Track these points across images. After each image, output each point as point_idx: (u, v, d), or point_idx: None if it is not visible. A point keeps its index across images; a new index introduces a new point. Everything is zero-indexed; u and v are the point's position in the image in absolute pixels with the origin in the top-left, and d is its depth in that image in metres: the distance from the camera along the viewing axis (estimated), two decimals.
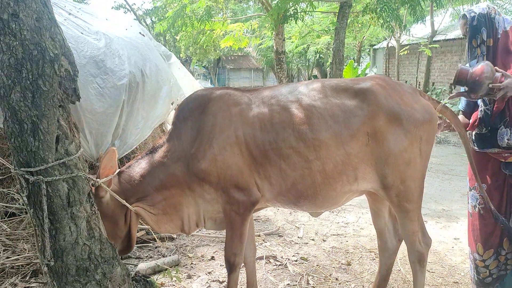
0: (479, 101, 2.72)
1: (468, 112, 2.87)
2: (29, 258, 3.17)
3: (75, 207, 2.02)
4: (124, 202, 2.44)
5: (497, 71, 2.50)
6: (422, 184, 2.61)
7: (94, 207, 2.16)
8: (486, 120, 2.66)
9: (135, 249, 3.90)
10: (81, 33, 3.89)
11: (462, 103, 2.96)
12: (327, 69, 18.23)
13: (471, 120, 2.78)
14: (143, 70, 4.24)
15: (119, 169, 2.58)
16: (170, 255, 3.86)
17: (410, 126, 2.44)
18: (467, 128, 2.78)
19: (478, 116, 2.72)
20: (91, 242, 2.09)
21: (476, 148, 2.77)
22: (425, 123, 2.49)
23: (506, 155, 2.59)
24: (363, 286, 3.40)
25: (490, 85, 2.46)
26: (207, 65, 36.19)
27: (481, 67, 2.52)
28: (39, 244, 2.09)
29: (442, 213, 5.27)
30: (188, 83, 6.32)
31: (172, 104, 4.91)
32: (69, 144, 2.02)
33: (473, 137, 2.79)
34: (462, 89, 2.72)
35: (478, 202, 2.78)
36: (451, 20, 15.63)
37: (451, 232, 4.62)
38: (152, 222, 2.60)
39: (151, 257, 3.86)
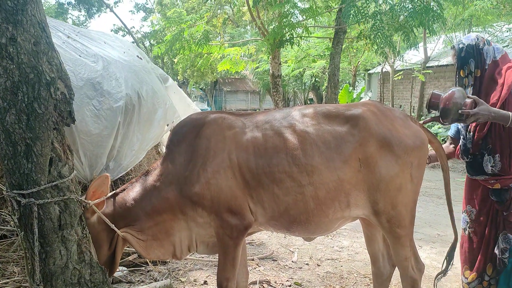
0: (462, 130, 2.76)
1: (457, 139, 2.89)
2: (19, 282, 3.12)
3: (66, 230, 2.01)
4: (113, 226, 2.42)
5: (468, 97, 2.52)
6: (413, 210, 2.62)
7: (86, 230, 2.15)
8: (465, 150, 2.71)
9: (126, 272, 3.85)
10: (79, 55, 3.94)
11: (452, 129, 2.97)
12: (323, 92, 18.43)
13: (456, 148, 2.83)
14: (139, 93, 4.28)
15: (113, 192, 2.58)
16: (162, 279, 3.81)
17: (401, 152, 2.46)
18: (454, 156, 2.82)
19: (459, 144, 2.78)
20: (81, 266, 2.06)
21: (468, 174, 2.83)
22: (415, 149, 2.51)
23: (492, 181, 2.62)
24: None
25: (460, 111, 2.48)
26: (204, 87, 36.45)
27: (451, 92, 2.57)
28: (29, 268, 2.06)
29: (437, 238, 5.25)
30: (184, 106, 6.36)
31: (167, 126, 4.94)
32: (62, 166, 2.02)
33: (465, 164, 2.83)
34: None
35: (468, 225, 2.80)
36: (444, 47, 15.90)
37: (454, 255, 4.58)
38: (140, 248, 2.57)
39: (142, 282, 3.80)
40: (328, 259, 4.52)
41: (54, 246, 1.99)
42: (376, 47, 8.49)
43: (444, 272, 2.80)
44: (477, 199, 2.76)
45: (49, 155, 1.96)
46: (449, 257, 2.82)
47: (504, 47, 12.20)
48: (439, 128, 13.86)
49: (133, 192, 2.59)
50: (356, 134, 2.46)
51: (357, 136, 2.46)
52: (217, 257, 2.65)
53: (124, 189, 2.64)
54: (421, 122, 2.71)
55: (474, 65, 2.65)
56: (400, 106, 19.07)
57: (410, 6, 7.95)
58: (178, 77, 28.92)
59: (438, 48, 16.12)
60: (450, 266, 2.81)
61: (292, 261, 4.43)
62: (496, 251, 2.65)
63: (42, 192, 1.94)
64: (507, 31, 12.37)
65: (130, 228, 2.53)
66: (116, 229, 2.44)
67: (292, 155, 2.44)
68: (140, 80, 4.46)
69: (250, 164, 2.46)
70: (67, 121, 2.11)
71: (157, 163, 2.68)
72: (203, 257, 4.29)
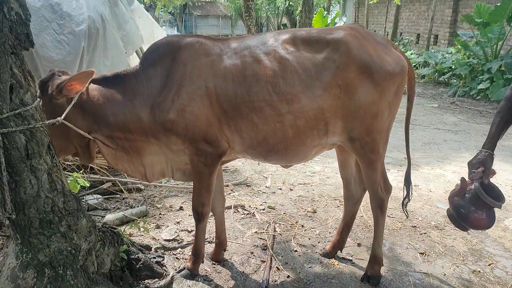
0: None
1: None
2: None
3: (35, 160, 1.95)
4: (83, 132, 2.36)
5: None
6: (387, 136, 2.66)
7: (55, 160, 2.09)
8: None
9: (101, 200, 3.87)
10: None
11: None
12: (297, 17, 17.90)
13: None
14: (103, 15, 4.03)
15: (101, 76, 2.47)
16: (138, 206, 3.87)
17: (380, 78, 2.43)
18: None
19: None
20: (54, 195, 2.03)
21: None
22: (395, 75, 2.48)
23: None
24: (328, 232, 3.54)
25: None
26: (173, 11, 34.77)
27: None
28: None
29: (403, 162, 5.45)
30: (151, 31, 6.07)
31: (130, 51, 4.73)
32: (24, 93, 1.91)
33: None
34: None
35: None
36: None
37: (411, 179, 4.80)
38: (108, 156, 2.51)
39: (118, 208, 3.85)
40: (300, 184, 4.66)
41: (23, 176, 1.94)
42: None
43: (408, 197, 2.92)
44: None
45: (9, 82, 1.84)
46: (407, 182, 2.92)
47: None
48: (411, 54, 13.89)
49: (110, 92, 2.44)
50: (336, 59, 2.40)
51: (338, 62, 2.39)
52: (192, 184, 2.68)
53: (103, 80, 2.48)
54: None
55: None
56: (375, 31, 18.86)
57: None
58: (145, 0, 27.37)
59: None
60: (411, 190, 2.93)
61: (266, 186, 4.55)
62: None
63: (5, 120, 1.84)
64: None
65: (98, 132, 2.44)
66: (86, 134, 2.38)
67: (272, 83, 2.38)
68: (103, 1, 4.17)
69: (228, 92, 2.39)
70: (25, 44, 1.96)
71: (133, 69, 2.51)
72: (178, 184, 4.35)
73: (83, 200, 3.64)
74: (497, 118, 2.26)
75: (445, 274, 2.99)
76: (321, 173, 5.03)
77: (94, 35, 3.83)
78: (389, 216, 3.79)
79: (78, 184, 3.11)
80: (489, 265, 3.12)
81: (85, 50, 3.71)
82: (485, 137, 2.21)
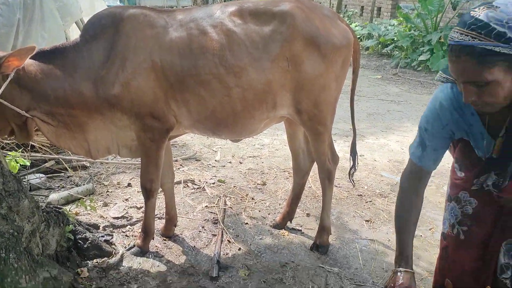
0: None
1: (430, 172, 1.75)
2: None
3: None
4: (20, 111, 2.24)
5: None
6: (334, 108, 2.73)
7: None
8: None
9: (44, 179, 3.72)
10: None
11: (430, 157, 1.70)
12: None
13: None
14: None
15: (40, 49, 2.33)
16: (83, 184, 3.75)
17: (327, 51, 2.46)
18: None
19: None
20: None
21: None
22: (342, 48, 2.52)
23: None
24: (277, 204, 3.62)
25: None
26: None
27: None
28: None
29: (349, 132, 5.63)
30: (90, 2, 5.76)
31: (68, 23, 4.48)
32: None
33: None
34: None
35: (457, 220, 1.74)
36: None
37: (356, 149, 4.98)
38: (48, 134, 2.42)
39: (63, 187, 3.71)
40: (250, 157, 4.71)
41: None
42: None
43: (354, 167, 3.03)
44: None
45: None
46: (353, 153, 3.04)
47: None
48: (356, 26, 14.15)
49: (48, 67, 2.32)
50: (283, 31, 2.40)
51: (285, 34, 2.40)
52: (140, 160, 2.63)
53: (40, 55, 2.33)
54: None
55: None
56: (320, 3, 18.96)
57: None
58: None
59: None
60: (357, 160, 3.05)
61: (215, 160, 4.55)
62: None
63: None
64: None
65: (37, 110, 2.33)
66: (23, 112, 2.27)
67: (219, 56, 2.35)
68: None
69: (175, 66, 2.34)
70: None
71: (73, 42, 2.40)
72: (125, 160, 4.25)
73: (24, 180, 3.47)
74: (401, 221, 1.75)
75: (389, 240, 3.16)
76: (270, 145, 5.10)
77: (30, 6, 3.58)
78: (336, 186, 3.92)
79: (18, 163, 2.97)
80: (429, 229, 3.34)
81: (20, 22, 3.47)
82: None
